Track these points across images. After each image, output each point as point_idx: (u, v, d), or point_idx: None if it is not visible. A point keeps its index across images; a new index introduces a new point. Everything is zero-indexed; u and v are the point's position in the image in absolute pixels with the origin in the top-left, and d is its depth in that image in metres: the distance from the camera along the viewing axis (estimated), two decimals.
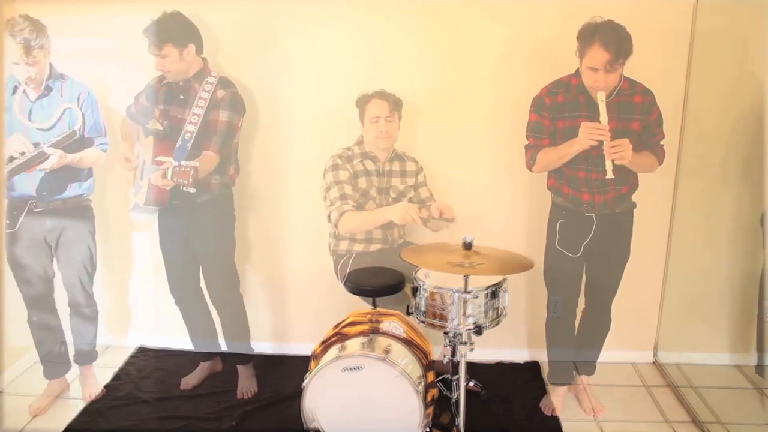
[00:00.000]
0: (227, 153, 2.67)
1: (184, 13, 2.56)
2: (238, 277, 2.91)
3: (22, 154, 2.49)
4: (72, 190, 2.64)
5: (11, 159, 2.49)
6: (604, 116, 2.31)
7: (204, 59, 2.64)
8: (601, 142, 2.33)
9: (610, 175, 2.32)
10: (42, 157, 2.49)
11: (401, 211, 2.63)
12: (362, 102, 2.72)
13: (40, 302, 2.72)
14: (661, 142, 2.51)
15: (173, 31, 2.52)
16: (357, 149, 2.77)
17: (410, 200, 2.82)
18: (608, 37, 2.23)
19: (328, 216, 2.74)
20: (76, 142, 2.60)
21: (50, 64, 2.57)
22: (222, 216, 2.77)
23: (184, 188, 2.39)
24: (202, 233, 2.72)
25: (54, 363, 2.81)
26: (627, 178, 2.49)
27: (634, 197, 2.57)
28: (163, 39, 2.50)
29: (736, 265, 2.69)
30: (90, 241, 2.75)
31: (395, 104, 2.71)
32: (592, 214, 2.50)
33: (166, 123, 2.64)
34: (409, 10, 2.75)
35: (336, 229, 2.74)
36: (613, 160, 2.32)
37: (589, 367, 2.81)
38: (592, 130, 2.32)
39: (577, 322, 2.73)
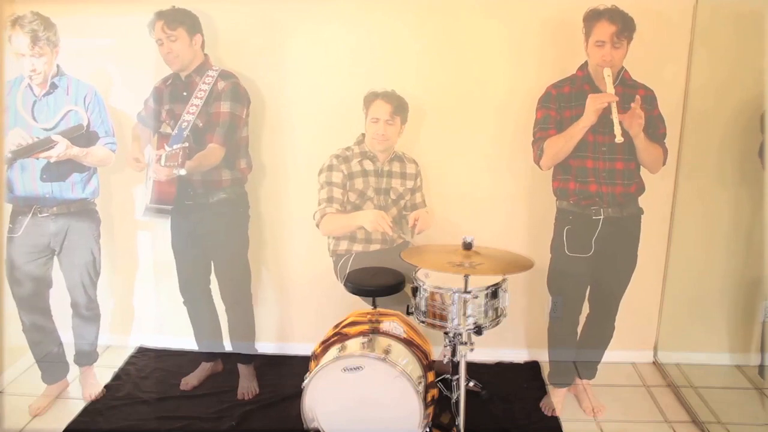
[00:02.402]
0: (234, 145, 2.65)
1: (188, 8, 2.57)
2: (250, 275, 2.91)
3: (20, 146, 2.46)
4: (77, 194, 2.63)
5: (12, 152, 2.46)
6: (610, 88, 2.34)
7: (206, 55, 2.64)
8: (609, 115, 2.32)
9: (619, 138, 2.30)
10: (48, 143, 2.46)
11: (372, 220, 2.66)
12: (368, 100, 2.72)
13: (34, 306, 2.68)
14: (665, 140, 2.51)
15: (184, 18, 2.54)
16: (357, 149, 2.77)
17: (405, 204, 2.83)
18: (614, 14, 2.37)
19: (313, 216, 2.77)
20: (82, 138, 2.57)
21: (57, 65, 2.56)
22: (236, 216, 2.77)
23: (176, 171, 2.35)
24: (215, 232, 2.71)
25: (52, 365, 2.78)
26: (635, 176, 2.50)
27: (640, 202, 2.56)
28: (176, 21, 2.51)
29: (736, 265, 2.70)
30: (94, 246, 2.73)
31: (398, 108, 2.69)
32: (600, 217, 2.49)
33: (172, 123, 2.63)
34: (410, 9, 2.75)
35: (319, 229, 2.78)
36: (621, 123, 2.31)
37: (590, 371, 2.80)
38: (599, 97, 2.35)
39: (579, 329, 2.73)
